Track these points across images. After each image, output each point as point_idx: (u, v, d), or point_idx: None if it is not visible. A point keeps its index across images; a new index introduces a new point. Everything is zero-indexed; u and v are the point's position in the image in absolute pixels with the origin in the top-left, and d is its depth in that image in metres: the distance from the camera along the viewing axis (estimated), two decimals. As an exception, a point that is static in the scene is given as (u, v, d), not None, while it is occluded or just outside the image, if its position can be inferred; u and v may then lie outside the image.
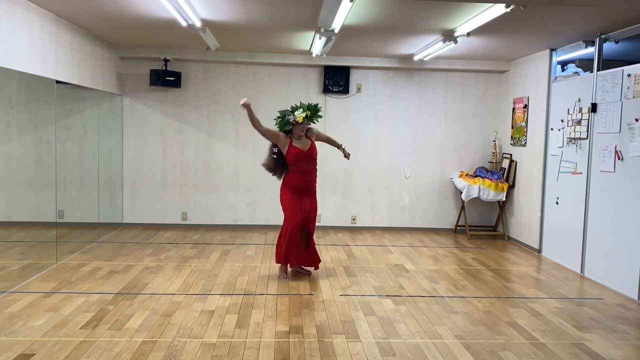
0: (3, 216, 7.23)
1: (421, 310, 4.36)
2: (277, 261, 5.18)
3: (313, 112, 5.00)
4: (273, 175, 5.16)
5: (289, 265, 5.18)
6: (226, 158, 7.70)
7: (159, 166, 7.63)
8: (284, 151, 4.97)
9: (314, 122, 5.10)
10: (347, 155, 5.35)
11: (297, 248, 5.05)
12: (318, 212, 7.85)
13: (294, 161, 4.96)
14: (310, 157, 5.01)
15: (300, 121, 4.90)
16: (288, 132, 5.01)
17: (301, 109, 4.91)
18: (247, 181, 7.73)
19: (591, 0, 4.27)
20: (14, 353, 3.34)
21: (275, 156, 4.99)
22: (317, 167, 5.16)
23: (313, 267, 5.28)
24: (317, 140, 5.16)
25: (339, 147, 5.34)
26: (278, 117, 5.06)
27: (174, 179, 7.65)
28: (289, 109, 5.04)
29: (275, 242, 7.00)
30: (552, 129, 6.36)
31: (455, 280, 5.31)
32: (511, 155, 7.32)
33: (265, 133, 4.97)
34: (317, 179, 5.21)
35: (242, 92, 7.64)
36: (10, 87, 7.07)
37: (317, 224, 7.88)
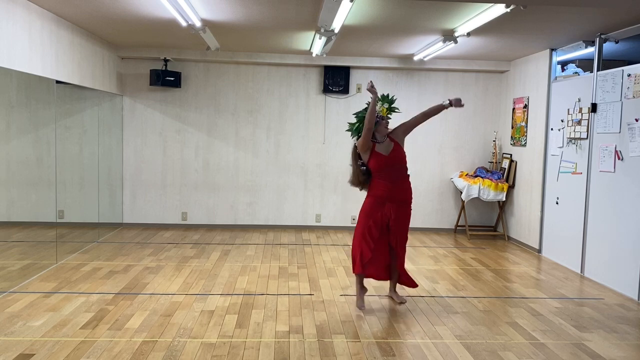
0: (3, 216, 7.23)
1: (421, 310, 4.36)
2: (354, 271, 4.43)
3: (390, 102, 4.38)
4: (361, 189, 4.50)
5: (371, 278, 4.50)
6: (226, 158, 7.70)
7: (159, 166, 7.63)
8: (366, 158, 4.31)
9: (393, 112, 4.45)
10: (456, 104, 4.40)
11: (375, 257, 4.35)
12: (318, 212, 7.94)
13: (376, 168, 4.28)
14: (393, 162, 4.27)
15: (384, 114, 4.30)
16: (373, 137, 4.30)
17: (380, 102, 4.25)
18: (247, 181, 7.73)
19: (591, 0, 4.27)
20: (14, 353, 3.34)
21: (364, 167, 4.34)
22: (407, 172, 4.38)
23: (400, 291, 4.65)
24: (409, 130, 4.44)
25: (443, 107, 4.45)
26: (354, 123, 4.43)
27: (174, 179, 7.65)
28: (362, 110, 4.40)
29: (275, 242, 7.04)
30: (552, 129, 6.36)
31: (455, 280, 5.31)
32: (511, 155, 7.32)
33: (367, 136, 4.21)
34: (407, 185, 4.37)
35: (242, 92, 7.65)
36: (10, 87, 7.07)
37: (317, 224, 7.97)
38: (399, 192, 4.31)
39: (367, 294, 4.65)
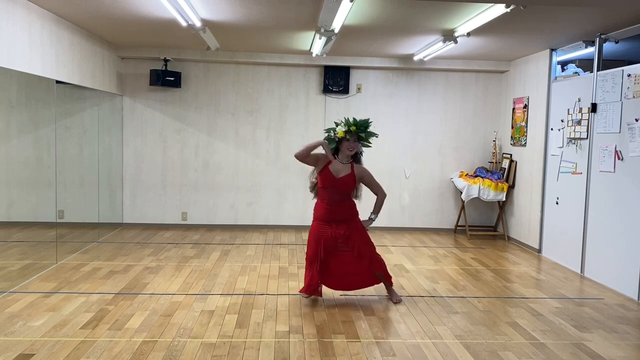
0: (3, 216, 7.24)
1: (421, 310, 4.36)
2: (304, 292, 4.53)
3: (360, 127, 4.34)
4: (313, 197, 4.65)
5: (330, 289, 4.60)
6: (226, 158, 7.70)
7: (159, 166, 7.63)
8: (318, 169, 4.41)
9: (366, 143, 4.45)
10: (364, 223, 4.52)
11: (339, 270, 4.45)
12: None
13: (321, 185, 4.39)
14: (337, 186, 4.33)
15: (341, 136, 4.32)
16: (336, 154, 4.42)
17: (344, 124, 4.34)
18: (247, 181, 7.73)
19: (591, 0, 4.27)
20: (14, 353, 3.34)
21: (315, 180, 4.51)
22: (345, 199, 4.42)
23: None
24: (362, 181, 4.46)
25: (372, 212, 4.52)
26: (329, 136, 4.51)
27: (174, 179, 7.65)
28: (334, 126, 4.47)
29: (275, 242, 7.04)
30: (552, 129, 6.36)
31: (455, 280, 5.31)
32: (511, 155, 7.32)
33: (308, 160, 4.36)
34: (346, 205, 4.43)
35: (242, 92, 7.65)
36: (10, 87, 7.07)
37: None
38: (338, 213, 4.39)
39: (367, 294, 4.70)
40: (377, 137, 4.54)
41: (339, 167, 4.37)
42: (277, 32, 5.84)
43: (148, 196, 7.63)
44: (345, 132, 4.33)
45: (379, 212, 4.53)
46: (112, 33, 6.23)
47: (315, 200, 4.60)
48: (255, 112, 7.70)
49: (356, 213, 4.51)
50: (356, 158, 4.47)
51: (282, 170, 7.76)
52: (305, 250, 4.59)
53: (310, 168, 4.54)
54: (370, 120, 4.46)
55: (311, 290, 4.47)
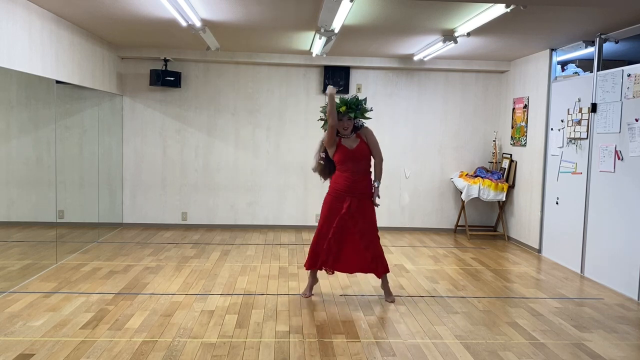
0: (3, 216, 7.24)
1: (421, 310, 4.36)
2: (306, 267, 4.64)
3: (352, 106, 4.44)
4: (324, 180, 4.73)
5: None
6: (226, 158, 7.70)
7: (159, 166, 7.63)
8: (332, 153, 4.49)
9: (360, 118, 4.54)
10: (374, 199, 4.54)
11: (345, 252, 4.50)
12: (318, 212, 7.86)
13: (340, 160, 4.47)
14: (356, 155, 4.44)
15: (342, 110, 4.41)
16: (338, 134, 4.49)
17: (339, 102, 4.45)
18: (247, 181, 7.73)
19: (591, 0, 4.27)
20: (14, 353, 3.34)
21: (322, 162, 4.58)
22: (370, 169, 4.55)
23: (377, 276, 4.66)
24: (367, 143, 4.52)
25: (374, 180, 4.57)
26: (324, 119, 4.60)
27: (174, 179, 7.66)
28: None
29: (275, 242, 7.04)
30: (552, 129, 6.36)
31: (455, 280, 5.31)
32: (511, 155, 7.32)
33: (329, 133, 4.40)
34: (368, 180, 4.53)
35: (242, 92, 7.65)
36: (10, 87, 7.07)
37: (317, 224, 7.90)
38: (359, 184, 4.47)
39: (367, 294, 4.69)
40: (371, 110, 4.62)
41: (348, 142, 4.48)
42: (277, 32, 5.84)
43: (148, 196, 7.63)
44: (348, 109, 4.43)
45: (380, 178, 4.56)
46: (112, 33, 6.23)
47: (323, 181, 4.73)
48: (255, 112, 7.70)
49: (371, 193, 4.53)
50: (357, 129, 4.56)
51: (282, 170, 7.76)
52: (317, 226, 4.60)
53: (315, 149, 4.64)
54: (359, 98, 4.54)
55: (316, 266, 4.54)
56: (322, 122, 4.62)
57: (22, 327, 3.77)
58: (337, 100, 4.46)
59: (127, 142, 7.57)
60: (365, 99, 4.68)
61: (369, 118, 4.58)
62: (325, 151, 4.56)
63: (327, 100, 4.39)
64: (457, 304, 4.56)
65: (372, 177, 4.58)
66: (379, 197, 4.54)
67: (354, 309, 4.36)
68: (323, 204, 4.59)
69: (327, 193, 4.58)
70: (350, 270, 4.61)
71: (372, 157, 4.57)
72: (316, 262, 4.54)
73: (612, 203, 5.18)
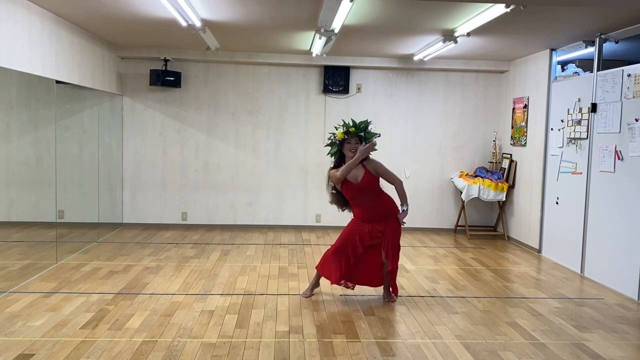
0: (3, 216, 7.24)
1: (421, 310, 4.36)
2: (328, 278, 4.56)
3: (359, 128, 4.37)
4: (342, 210, 4.68)
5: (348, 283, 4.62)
6: (226, 158, 7.70)
7: (159, 166, 7.63)
8: (339, 187, 4.44)
9: (368, 138, 4.44)
10: (400, 220, 4.49)
11: (347, 265, 4.48)
12: (318, 212, 7.93)
13: (349, 197, 4.44)
14: (362, 189, 4.36)
15: (340, 137, 4.37)
16: (342, 160, 4.44)
17: (343, 126, 4.39)
18: (247, 181, 7.73)
19: (591, 0, 4.27)
20: (14, 353, 3.34)
21: (334, 191, 4.53)
22: (378, 195, 4.46)
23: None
24: (377, 174, 4.42)
25: (401, 204, 4.48)
26: (331, 149, 4.52)
27: (174, 179, 7.65)
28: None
29: (275, 242, 7.04)
30: (552, 129, 6.36)
31: (455, 280, 5.31)
32: (511, 155, 7.32)
33: (340, 177, 4.35)
34: (384, 202, 4.47)
35: (242, 92, 7.65)
36: (10, 87, 7.07)
37: (317, 224, 7.96)
38: (377, 211, 4.43)
39: (367, 294, 4.70)
40: (379, 136, 4.54)
41: (352, 173, 4.38)
42: (277, 32, 5.84)
43: (148, 196, 7.63)
44: (344, 133, 4.38)
45: (406, 200, 4.48)
46: (112, 33, 6.23)
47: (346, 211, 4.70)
48: (255, 112, 7.70)
49: (396, 209, 4.50)
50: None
51: (282, 170, 7.76)
52: (335, 242, 4.57)
53: (325, 180, 4.64)
54: (369, 121, 4.48)
55: (338, 279, 4.47)
56: (329, 147, 4.51)
57: (22, 327, 3.77)
58: (347, 122, 4.43)
59: (127, 142, 7.57)
60: (371, 122, 4.54)
61: (375, 135, 4.51)
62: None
63: (361, 147, 4.31)
64: (457, 304, 4.56)
65: (383, 193, 4.51)
66: (404, 216, 4.48)
67: (354, 309, 4.36)
68: (348, 224, 4.56)
69: (353, 217, 4.57)
70: (372, 284, 4.61)
71: (389, 182, 4.48)
72: (339, 275, 4.45)
73: (612, 203, 5.18)
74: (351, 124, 4.39)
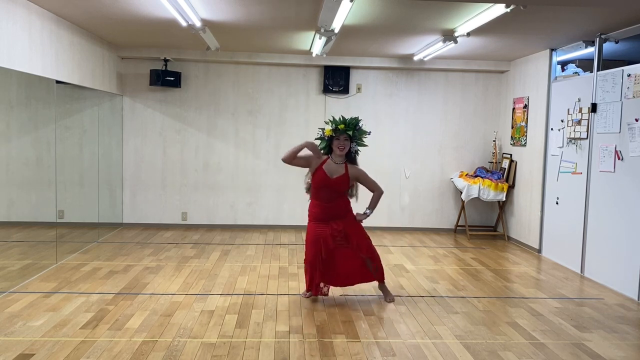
0: (3, 216, 7.24)
1: (421, 310, 4.36)
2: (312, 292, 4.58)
3: (351, 125, 4.35)
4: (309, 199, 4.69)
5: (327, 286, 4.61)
6: (226, 158, 7.70)
7: (159, 166, 7.63)
8: (312, 169, 4.43)
9: (361, 142, 4.46)
10: (358, 216, 4.50)
11: (320, 276, 4.48)
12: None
13: (315, 186, 4.44)
14: (331, 187, 4.37)
15: (328, 134, 4.36)
16: (330, 154, 4.43)
17: (332, 122, 4.37)
18: (247, 181, 7.73)
19: (591, 0, 4.27)
20: (14, 353, 3.34)
21: (309, 181, 4.53)
22: (339, 197, 4.45)
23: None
24: (357, 180, 4.46)
25: (367, 207, 4.48)
26: (322, 142, 4.51)
27: (174, 179, 7.65)
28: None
29: (275, 242, 7.04)
30: (552, 129, 6.36)
31: (455, 280, 5.31)
32: (511, 155, 7.32)
33: (297, 162, 4.40)
34: (340, 203, 4.47)
35: (242, 92, 7.65)
36: (10, 87, 7.07)
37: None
38: (331, 210, 4.43)
39: (367, 294, 4.71)
40: (369, 134, 4.53)
41: (332, 168, 4.39)
42: (277, 32, 5.84)
43: (148, 196, 7.63)
44: (333, 130, 4.36)
45: (374, 207, 4.50)
46: (112, 33, 6.23)
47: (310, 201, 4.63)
48: (255, 112, 7.70)
49: (350, 209, 4.53)
50: (350, 158, 4.46)
51: (282, 170, 7.75)
52: (305, 252, 4.62)
53: (306, 170, 4.55)
54: (359, 119, 4.46)
55: (317, 291, 4.49)
56: (319, 141, 4.50)
57: (22, 327, 3.77)
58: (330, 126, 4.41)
59: (127, 142, 7.57)
60: (361, 120, 4.51)
61: (365, 145, 4.51)
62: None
63: (309, 142, 4.36)
64: (457, 304, 4.56)
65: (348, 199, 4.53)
66: (364, 217, 4.48)
67: (354, 309, 4.36)
68: (307, 234, 4.57)
69: (309, 221, 4.57)
70: (352, 282, 4.57)
71: (369, 190, 4.50)
72: (317, 287, 4.49)
73: (612, 203, 5.18)
74: (339, 120, 4.39)
